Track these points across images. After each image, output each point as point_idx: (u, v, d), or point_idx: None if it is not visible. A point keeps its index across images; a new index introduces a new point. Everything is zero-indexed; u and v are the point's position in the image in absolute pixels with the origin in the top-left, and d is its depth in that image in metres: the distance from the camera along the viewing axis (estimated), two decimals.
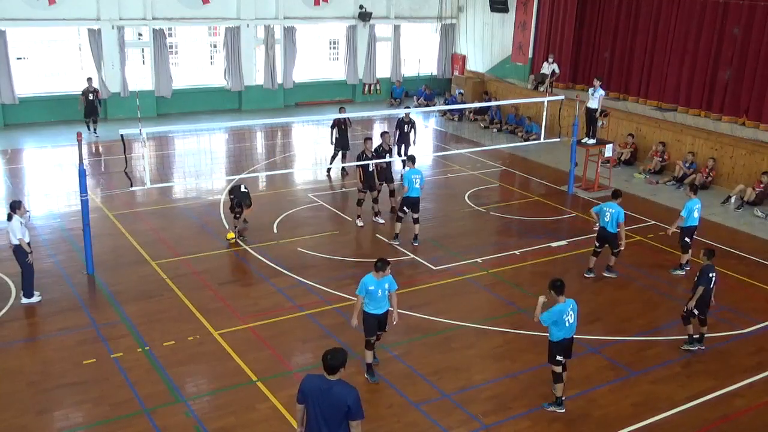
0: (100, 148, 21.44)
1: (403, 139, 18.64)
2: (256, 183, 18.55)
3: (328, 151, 19.56)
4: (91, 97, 22.39)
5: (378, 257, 9.63)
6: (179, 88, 25.86)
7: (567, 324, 8.96)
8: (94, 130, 22.61)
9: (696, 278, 10.68)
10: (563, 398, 9.28)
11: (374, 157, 15.19)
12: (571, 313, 8.97)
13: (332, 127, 18.69)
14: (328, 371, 6.25)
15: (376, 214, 15.72)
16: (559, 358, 9.08)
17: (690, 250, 13.53)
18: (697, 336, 10.90)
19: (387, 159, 15.70)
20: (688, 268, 13.57)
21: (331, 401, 6.19)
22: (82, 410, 9.02)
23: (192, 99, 26.10)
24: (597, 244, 13.17)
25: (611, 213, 12.81)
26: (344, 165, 18.91)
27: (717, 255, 10.54)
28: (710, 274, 10.56)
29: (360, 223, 15.49)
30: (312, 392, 6.29)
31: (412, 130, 18.73)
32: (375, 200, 15.63)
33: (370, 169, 15.16)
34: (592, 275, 13.25)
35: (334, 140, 18.75)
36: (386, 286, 9.43)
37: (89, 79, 22.59)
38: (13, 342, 10.57)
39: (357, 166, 15.29)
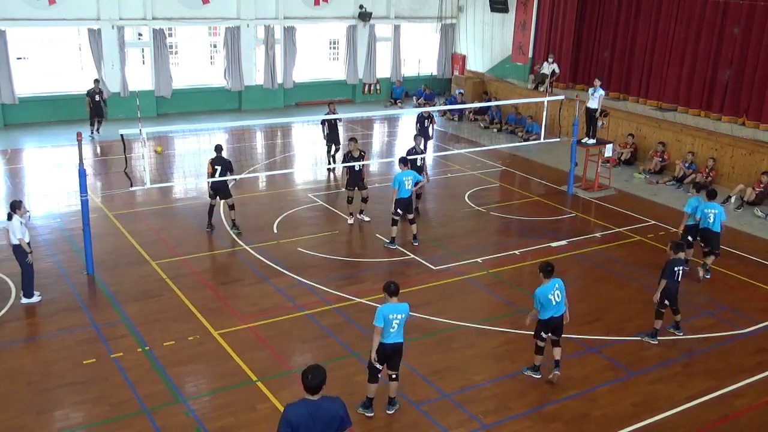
0: (99, 149, 21.42)
1: (424, 133, 19.31)
2: (256, 183, 18.57)
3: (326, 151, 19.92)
4: (96, 98, 22.47)
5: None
6: (179, 88, 25.86)
7: (554, 303, 9.45)
8: (97, 130, 22.61)
9: (661, 271, 10.87)
10: (540, 367, 9.89)
11: (361, 158, 15.36)
12: (556, 292, 9.44)
13: (321, 123, 19.35)
14: (311, 391, 5.97)
15: (361, 211, 15.79)
16: (543, 334, 9.69)
17: (691, 249, 13.53)
18: (674, 324, 11.25)
19: (372, 162, 15.97)
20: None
21: (324, 420, 6.00)
22: (82, 410, 9.02)
23: (192, 99, 26.09)
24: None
25: (715, 214, 13.00)
26: (345, 165, 18.99)
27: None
28: (675, 268, 10.75)
29: (350, 221, 15.56)
30: (302, 419, 5.95)
31: (431, 125, 19.67)
32: (364, 200, 15.68)
33: (357, 169, 15.34)
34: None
35: (325, 135, 19.44)
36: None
37: (96, 81, 22.90)
38: (13, 342, 10.57)
39: (343, 167, 15.52)
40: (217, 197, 14.59)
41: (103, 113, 22.86)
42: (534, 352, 9.89)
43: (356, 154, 15.30)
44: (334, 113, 19.25)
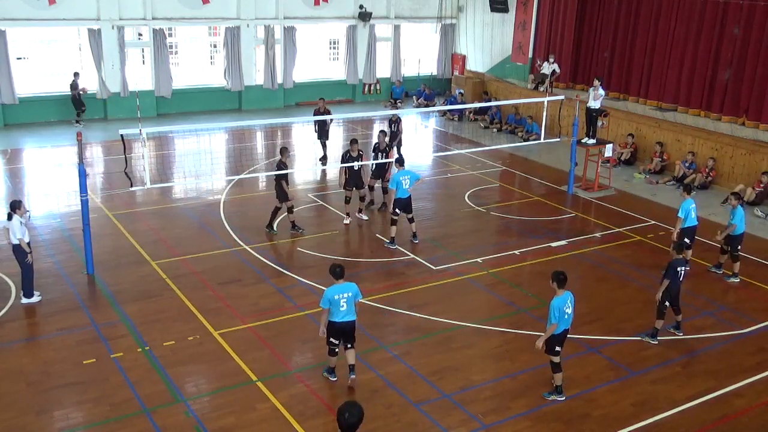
0: (99, 149, 21.45)
1: (393, 138, 19.23)
2: (257, 183, 18.56)
3: (328, 151, 20.18)
4: (78, 93, 23.45)
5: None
6: (179, 88, 25.85)
7: (566, 316, 9.27)
8: (78, 120, 23.57)
9: (664, 271, 10.87)
10: (562, 387, 9.49)
11: (359, 159, 15.43)
12: (569, 305, 9.29)
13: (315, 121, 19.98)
14: (346, 430, 5.58)
15: (360, 210, 15.90)
16: (558, 349, 9.36)
17: (690, 251, 13.52)
18: (675, 324, 11.28)
19: (384, 160, 16.20)
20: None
21: None
22: (82, 410, 9.02)
23: (192, 99, 26.09)
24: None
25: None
26: (342, 165, 19.06)
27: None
28: (678, 269, 10.78)
29: (347, 221, 15.60)
30: None
31: (397, 129, 19.38)
32: (362, 198, 15.84)
33: (356, 169, 15.44)
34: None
35: (315, 130, 20.15)
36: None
37: (75, 74, 23.55)
38: (13, 342, 10.57)
39: (343, 168, 15.53)
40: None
41: (82, 105, 23.60)
42: (552, 372, 9.45)
43: (355, 154, 15.35)
44: (324, 112, 19.51)
